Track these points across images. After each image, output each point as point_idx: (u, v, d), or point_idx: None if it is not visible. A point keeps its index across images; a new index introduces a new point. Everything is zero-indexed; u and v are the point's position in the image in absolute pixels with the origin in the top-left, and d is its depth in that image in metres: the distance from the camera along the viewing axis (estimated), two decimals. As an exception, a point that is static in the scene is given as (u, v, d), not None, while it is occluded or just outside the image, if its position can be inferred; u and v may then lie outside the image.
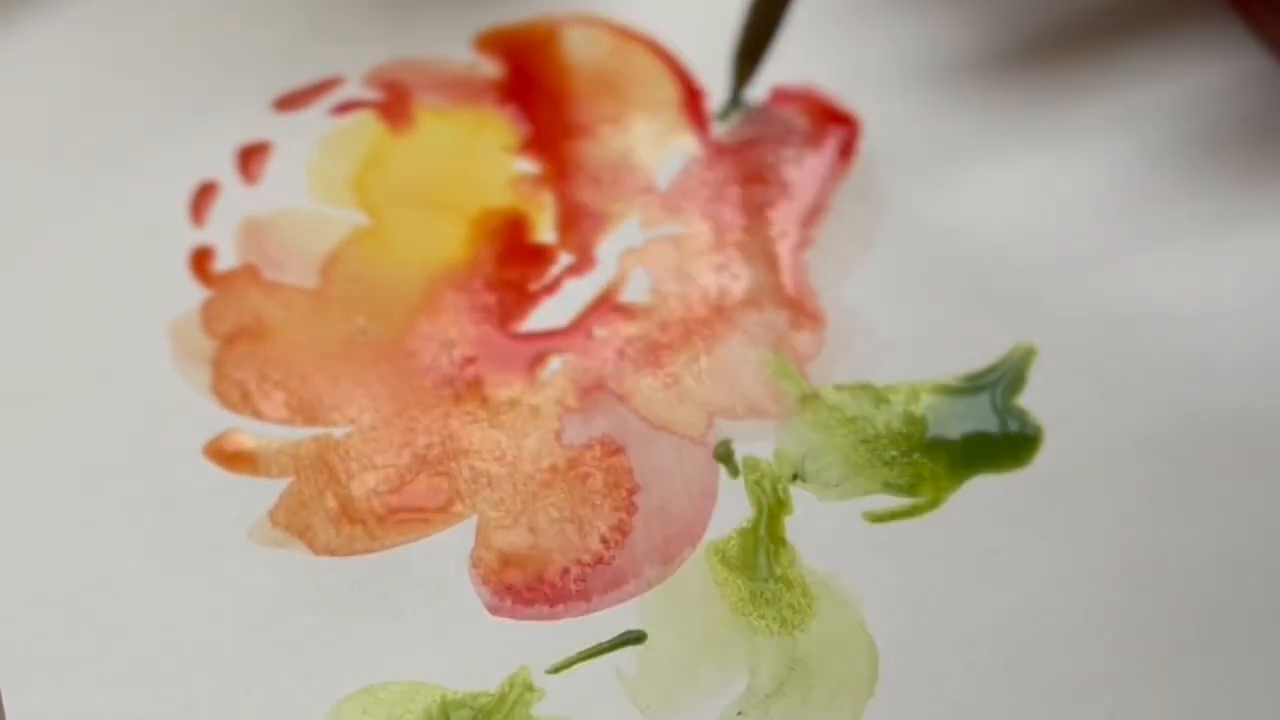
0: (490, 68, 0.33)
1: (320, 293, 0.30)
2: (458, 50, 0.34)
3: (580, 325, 0.29)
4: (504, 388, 0.28)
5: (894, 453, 0.27)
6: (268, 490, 0.27)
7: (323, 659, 0.25)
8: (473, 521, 0.27)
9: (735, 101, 0.32)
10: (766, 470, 0.27)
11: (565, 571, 0.26)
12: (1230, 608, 0.25)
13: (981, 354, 0.28)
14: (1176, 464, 0.27)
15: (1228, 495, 0.26)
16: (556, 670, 0.25)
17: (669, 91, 0.33)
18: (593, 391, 0.28)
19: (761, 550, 0.26)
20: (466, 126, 0.32)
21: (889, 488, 0.27)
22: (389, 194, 0.31)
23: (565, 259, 0.30)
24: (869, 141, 0.32)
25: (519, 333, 0.29)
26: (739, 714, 0.24)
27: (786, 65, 0.33)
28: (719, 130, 0.32)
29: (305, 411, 0.28)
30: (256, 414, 0.28)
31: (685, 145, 0.32)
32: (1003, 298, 0.29)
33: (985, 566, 0.26)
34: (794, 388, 0.28)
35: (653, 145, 0.32)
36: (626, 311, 0.29)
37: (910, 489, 0.27)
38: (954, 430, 0.27)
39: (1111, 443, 0.27)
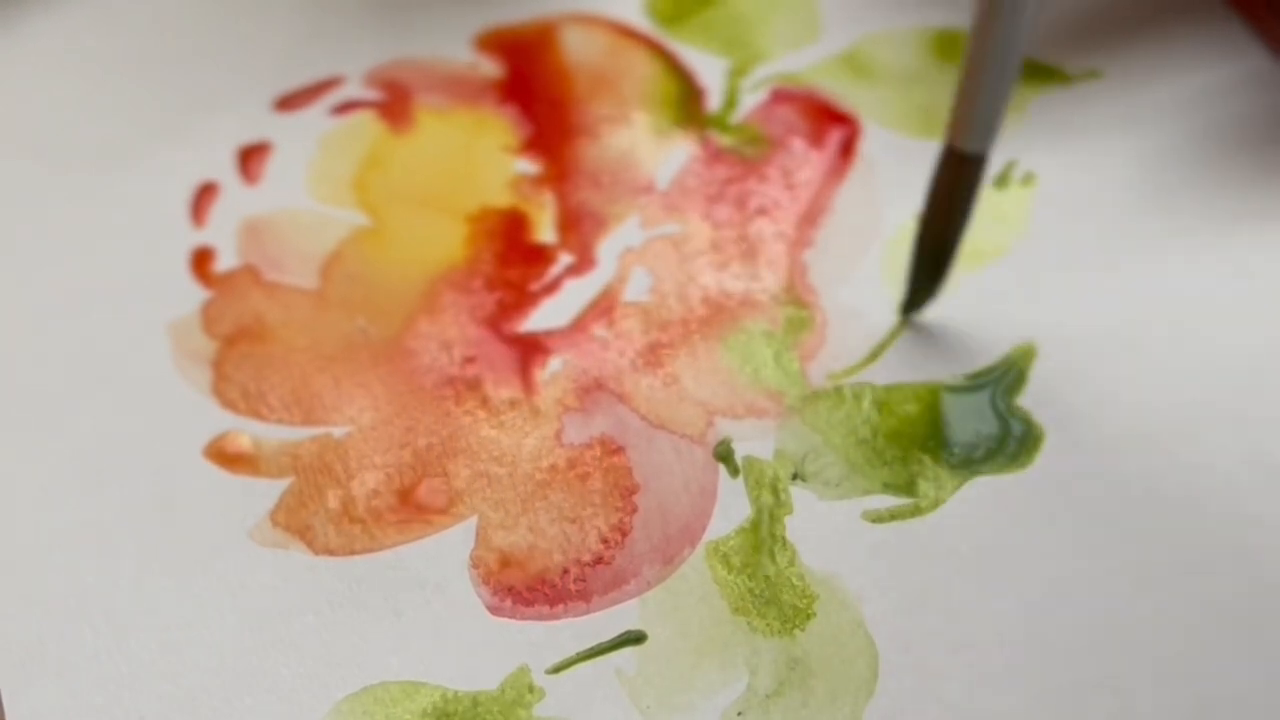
0: (490, 67, 0.33)
1: (320, 293, 0.30)
2: (458, 50, 0.34)
3: (580, 325, 0.29)
4: (504, 387, 0.28)
5: (894, 453, 0.27)
6: (268, 490, 0.27)
7: (323, 659, 0.25)
8: (473, 521, 0.27)
9: (914, 305, 0.29)
10: (766, 470, 0.27)
11: (565, 571, 0.26)
12: (1230, 608, 0.25)
13: (981, 354, 0.28)
14: (1176, 463, 0.27)
15: (1228, 495, 0.26)
16: (556, 670, 0.25)
17: (668, 91, 0.33)
18: (592, 391, 0.28)
19: (761, 550, 0.26)
20: (466, 126, 0.32)
21: (889, 488, 0.27)
22: (389, 194, 0.31)
23: (565, 259, 0.30)
24: (868, 142, 0.32)
25: (519, 332, 0.29)
26: (739, 714, 0.24)
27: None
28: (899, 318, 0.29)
29: (305, 411, 0.28)
30: (256, 414, 0.28)
31: (685, 145, 0.32)
32: (1003, 298, 0.29)
33: (985, 566, 0.26)
34: (794, 387, 0.28)
35: (652, 145, 0.32)
36: (627, 311, 0.29)
37: (910, 489, 0.27)
38: (954, 430, 0.27)
39: (1111, 443, 0.27)
